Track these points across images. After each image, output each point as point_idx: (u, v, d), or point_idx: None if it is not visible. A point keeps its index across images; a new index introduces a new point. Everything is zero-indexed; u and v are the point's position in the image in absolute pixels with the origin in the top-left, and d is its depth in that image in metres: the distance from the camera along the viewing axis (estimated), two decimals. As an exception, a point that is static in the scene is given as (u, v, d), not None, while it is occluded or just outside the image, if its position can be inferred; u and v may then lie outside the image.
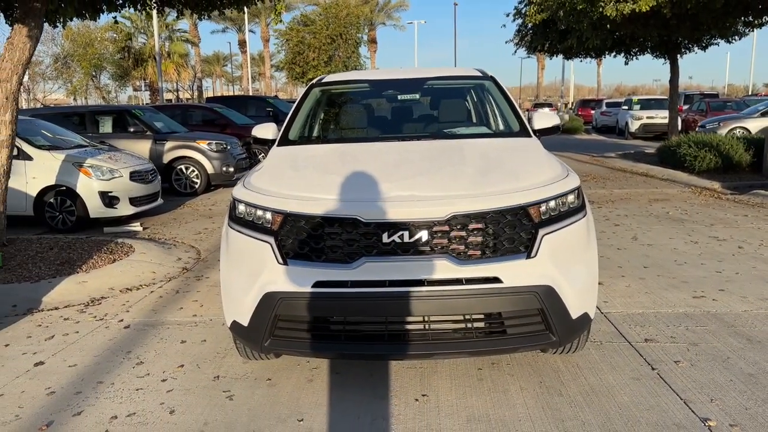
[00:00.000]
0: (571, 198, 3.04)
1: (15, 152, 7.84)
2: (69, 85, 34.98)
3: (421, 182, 2.99)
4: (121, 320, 4.52)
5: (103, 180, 8.09)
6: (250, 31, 58.18)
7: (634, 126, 23.66)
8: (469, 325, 2.83)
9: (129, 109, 11.99)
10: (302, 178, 3.26)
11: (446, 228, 2.78)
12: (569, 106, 45.65)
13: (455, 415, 2.94)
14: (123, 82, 37.69)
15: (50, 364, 3.74)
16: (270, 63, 44.21)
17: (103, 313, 4.71)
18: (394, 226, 2.77)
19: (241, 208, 3.09)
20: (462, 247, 2.79)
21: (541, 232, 2.86)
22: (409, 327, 2.83)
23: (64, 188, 7.99)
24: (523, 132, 4.00)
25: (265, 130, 4.24)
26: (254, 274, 2.93)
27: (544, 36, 16.88)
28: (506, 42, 19.93)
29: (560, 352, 3.43)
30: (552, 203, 2.94)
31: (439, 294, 2.74)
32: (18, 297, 5.05)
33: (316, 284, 2.79)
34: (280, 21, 7.77)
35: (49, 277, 5.47)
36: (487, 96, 4.47)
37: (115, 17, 8.27)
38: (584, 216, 3.08)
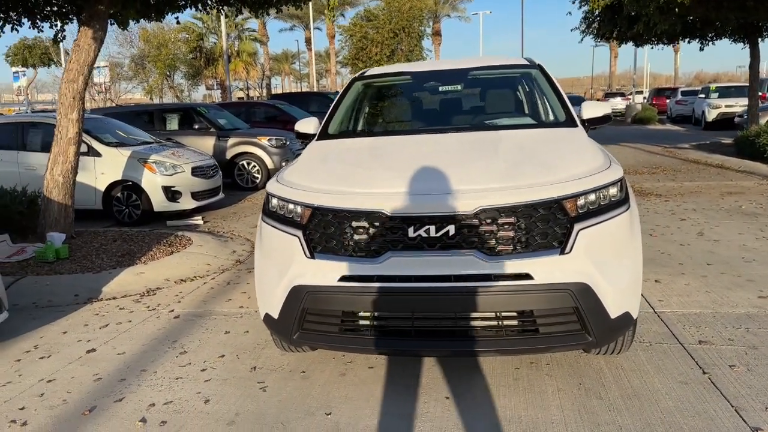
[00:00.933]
0: (612, 190, 2.88)
1: (85, 149, 8.32)
2: (145, 85, 36.61)
3: (449, 175, 2.91)
4: (172, 310, 4.68)
5: (166, 175, 8.40)
6: (316, 28, 59.11)
7: (711, 115, 22.39)
8: (500, 323, 2.74)
9: (194, 107, 12.40)
10: (332, 172, 3.24)
11: (474, 222, 2.69)
12: (643, 95, 43.77)
13: (486, 416, 2.85)
14: (195, 81, 39.09)
15: (101, 351, 3.91)
16: (335, 59, 44.68)
17: (156, 303, 4.88)
18: (420, 221, 2.71)
19: (274, 202, 3.11)
20: (491, 242, 2.69)
21: (577, 226, 2.72)
22: (437, 324, 2.76)
23: (130, 183, 8.35)
24: (569, 122, 3.83)
25: (307, 125, 4.27)
26: (284, 267, 2.94)
27: (611, 22, 16.20)
28: (571, 30, 19.25)
29: (603, 352, 3.27)
30: (591, 196, 2.79)
31: (466, 290, 2.66)
32: (80, 287, 5.32)
33: (343, 278, 2.77)
34: (333, 16, 7.80)
35: (110, 268, 5.73)
36: (533, 85, 4.31)
37: (177, 17, 8.52)
38: (627, 209, 2.91)
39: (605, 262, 2.77)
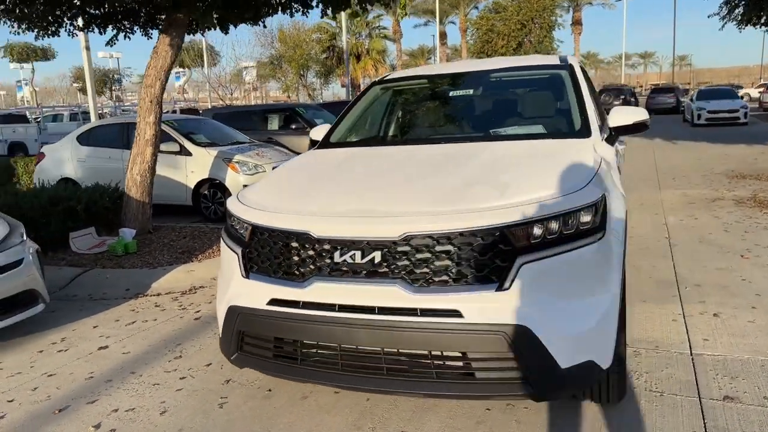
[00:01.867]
0: (584, 217, 2.46)
1: (178, 148, 8.89)
2: (282, 84, 38.67)
3: (389, 196, 2.66)
4: (198, 311, 4.81)
5: (248, 174, 8.72)
6: (450, 22, 58.82)
7: None
8: (431, 363, 2.44)
9: (293, 107, 12.81)
10: (287, 189, 3.10)
11: (401, 249, 2.41)
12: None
13: (422, 462, 2.57)
14: (327, 79, 40.58)
15: (111, 349, 4.10)
16: (466, 53, 44.06)
17: (189, 303, 5.05)
18: (346, 245, 2.49)
19: (229, 218, 3.03)
20: (419, 273, 2.40)
21: (521, 259, 2.34)
22: (363, 358, 2.52)
23: (216, 182, 8.78)
24: (583, 132, 3.35)
25: (320, 132, 4.16)
26: (227, 285, 2.86)
27: (757, 6, 14.28)
28: (708, 16, 17.25)
29: (592, 400, 2.83)
30: (549, 224, 2.39)
31: (389, 325, 2.40)
32: (134, 282, 5.66)
33: (271, 302, 2.63)
34: (405, 14, 7.62)
35: (167, 264, 6.04)
36: (559, 89, 3.83)
37: (262, 23, 8.78)
38: (599, 239, 2.47)
39: (556, 301, 2.37)
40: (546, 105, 3.88)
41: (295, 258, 2.60)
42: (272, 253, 2.67)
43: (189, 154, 8.94)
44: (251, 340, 2.78)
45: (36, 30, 7.69)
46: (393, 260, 2.42)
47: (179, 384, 3.47)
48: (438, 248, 2.38)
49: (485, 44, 29.73)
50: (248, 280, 2.73)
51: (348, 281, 2.48)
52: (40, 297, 4.46)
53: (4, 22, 7.65)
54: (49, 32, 7.80)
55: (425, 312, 2.37)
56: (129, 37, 8.21)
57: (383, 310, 2.41)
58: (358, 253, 2.46)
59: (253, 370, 2.87)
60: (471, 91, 4.00)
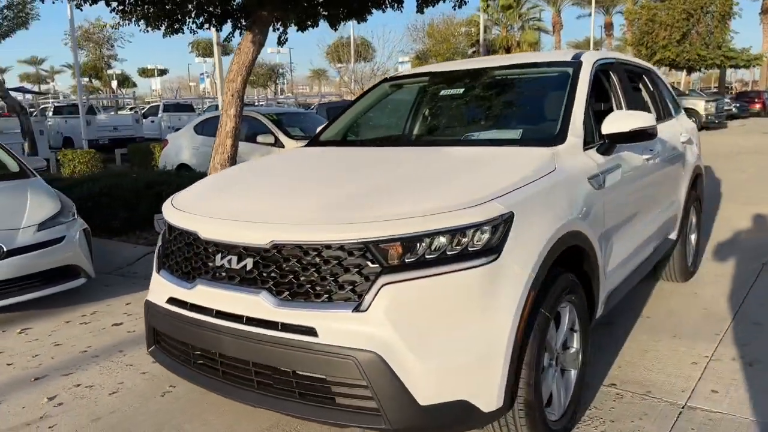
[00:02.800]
0: (471, 237, 2.15)
1: (273, 140, 9.32)
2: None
3: (279, 200, 2.55)
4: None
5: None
6: (618, 12, 54.89)
7: None
8: (293, 381, 2.29)
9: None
10: (210, 188, 3.09)
11: (268, 257, 2.29)
12: None
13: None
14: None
15: (123, 327, 4.40)
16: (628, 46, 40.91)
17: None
18: (227, 248, 2.42)
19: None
20: (284, 284, 2.26)
21: (384, 279, 2.11)
22: (237, 368, 2.44)
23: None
24: (558, 139, 2.93)
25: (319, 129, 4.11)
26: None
27: None
28: None
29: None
30: (422, 241, 2.13)
31: (255, 337, 2.29)
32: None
33: (169, 300, 2.64)
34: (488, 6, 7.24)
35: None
36: (556, 90, 3.37)
37: (335, 26, 8.90)
38: (489, 263, 2.15)
39: (422, 329, 2.10)
40: (535, 108, 3.45)
41: (187, 258, 2.59)
42: (175, 251, 2.69)
43: (282, 146, 9.32)
44: (161, 335, 2.82)
45: (163, 28, 8.43)
46: (262, 269, 2.30)
47: (148, 367, 3.63)
48: (306, 260, 2.22)
49: (644, 35, 27.31)
50: (158, 276, 2.78)
51: (224, 287, 2.41)
52: (82, 272, 4.92)
53: (130, 21, 8.54)
54: (174, 29, 8.54)
55: (286, 327, 2.23)
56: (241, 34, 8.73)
57: (250, 321, 2.32)
58: (235, 259, 2.38)
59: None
60: (461, 91, 3.68)
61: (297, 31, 9.30)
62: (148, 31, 8.69)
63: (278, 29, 8.72)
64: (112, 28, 9.96)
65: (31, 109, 23.31)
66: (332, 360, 2.14)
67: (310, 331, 2.17)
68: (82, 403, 3.23)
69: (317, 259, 2.19)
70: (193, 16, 8.23)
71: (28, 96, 32.67)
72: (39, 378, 3.56)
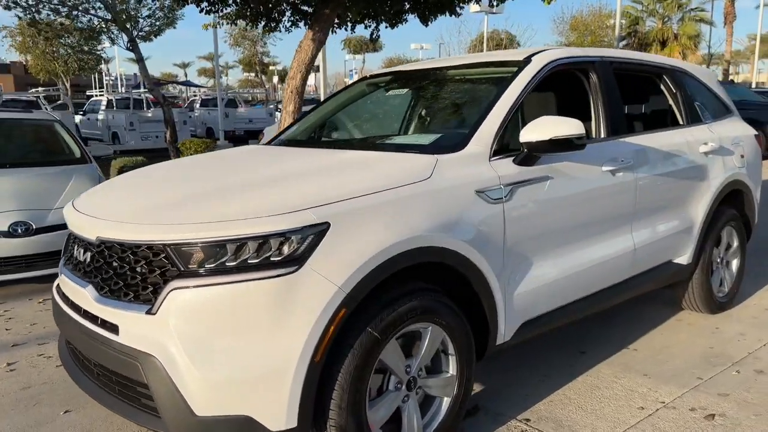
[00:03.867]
0: (275, 245, 2.08)
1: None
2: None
3: (130, 198, 2.64)
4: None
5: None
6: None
7: None
8: (113, 377, 2.34)
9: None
10: (115, 185, 3.14)
11: (97, 252, 2.37)
12: None
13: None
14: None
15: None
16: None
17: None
18: (78, 241, 2.55)
19: None
20: (106, 279, 2.31)
21: (174, 283, 2.09)
22: (85, 359, 2.54)
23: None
24: (457, 146, 2.69)
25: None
26: None
27: None
28: None
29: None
30: (221, 248, 2.08)
31: (83, 328, 2.38)
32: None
33: (56, 287, 2.82)
34: None
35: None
36: (492, 91, 3.04)
37: (426, 22, 8.75)
38: (287, 275, 2.05)
39: (205, 338, 2.07)
40: (462, 112, 3.16)
41: (66, 249, 2.77)
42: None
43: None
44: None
45: (263, 25, 8.98)
46: (93, 263, 2.40)
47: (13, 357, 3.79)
48: (123, 257, 2.27)
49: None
50: (61, 264, 2.98)
51: (71, 277, 2.53)
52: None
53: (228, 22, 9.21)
54: (272, 27, 9.06)
55: (102, 322, 2.30)
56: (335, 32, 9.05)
57: (86, 313, 2.41)
58: (81, 251, 2.50)
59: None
60: (403, 92, 3.47)
61: (385, 28, 9.45)
62: (248, 27, 9.34)
63: (370, 26, 8.90)
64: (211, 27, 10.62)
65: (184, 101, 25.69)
66: (125, 360, 2.17)
67: (115, 329, 2.21)
68: (28, 371, 3.57)
69: (131, 258, 2.23)
70: (287, 15, 8.66)
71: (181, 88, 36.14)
72: (24, 343, 3.99)
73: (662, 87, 4.03)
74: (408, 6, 8.52)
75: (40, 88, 32.75)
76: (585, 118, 3.32)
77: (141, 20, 20.65)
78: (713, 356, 3.56)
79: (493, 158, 2.72)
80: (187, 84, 40.08)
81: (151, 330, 2.11)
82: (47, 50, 30.01)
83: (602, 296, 3.28)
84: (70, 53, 30.79)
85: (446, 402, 2.57)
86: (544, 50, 3.26)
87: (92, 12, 20.50)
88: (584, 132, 2.73)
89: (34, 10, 18.14)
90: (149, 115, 19.60)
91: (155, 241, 2.16)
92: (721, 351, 3.62)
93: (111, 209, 2.52)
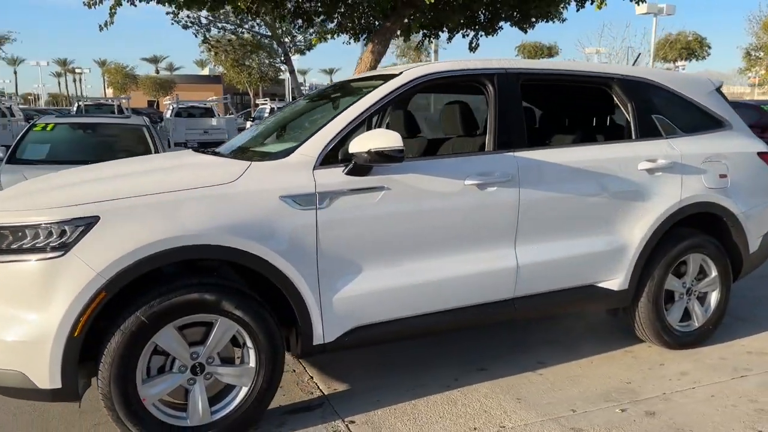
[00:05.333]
0: (44, 233, 2.45)
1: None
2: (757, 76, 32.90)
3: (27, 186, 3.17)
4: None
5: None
6: None
7: None
8: None
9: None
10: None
11: None
12: None
13: None
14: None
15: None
16: None
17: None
18: None
19: None
20: None
21: None
22: None
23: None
24: (284, 154, 2.89)
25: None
26: None
27: None
28: None
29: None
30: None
31: None
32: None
33: None
34: None
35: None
36: (350, 103, 3.15)
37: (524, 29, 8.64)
38: (51, 259, 2.42)
39: None
40: (324, 119, 3.24)
41: None
42: None
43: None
44: None
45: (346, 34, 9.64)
46: None
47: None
48: None
49: None
50: None
51: None
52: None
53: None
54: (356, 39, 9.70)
55: None
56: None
57: None
58: None
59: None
60: (306, 102, 3.62)
61: (481, 36, 9.55)
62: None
63: (467, 34, 9.10)
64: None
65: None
66: None
67: None
68: None
69: None
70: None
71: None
72: None
73: (607, 99, 3.74)
74: (503, 15, 8.49)
75: (213, 96, 37.10)
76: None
77: (296, 35, 22.69)
78: (616, 390, 3.26)
79: (320, 167, 2.85)
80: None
81: None
82: (235, 63, 33.82)
83: (472, 312, 3.19)
84: (253, 65, 34.60)
85: (244, 391, 2.76)
86: (423, 65, 3.27)
87: (255, 30, 23.01)
88: (401, 145, 2.75)
89: (205, 29, 20.80)
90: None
91: None
92: (633, 387, 3.29)
93: None
